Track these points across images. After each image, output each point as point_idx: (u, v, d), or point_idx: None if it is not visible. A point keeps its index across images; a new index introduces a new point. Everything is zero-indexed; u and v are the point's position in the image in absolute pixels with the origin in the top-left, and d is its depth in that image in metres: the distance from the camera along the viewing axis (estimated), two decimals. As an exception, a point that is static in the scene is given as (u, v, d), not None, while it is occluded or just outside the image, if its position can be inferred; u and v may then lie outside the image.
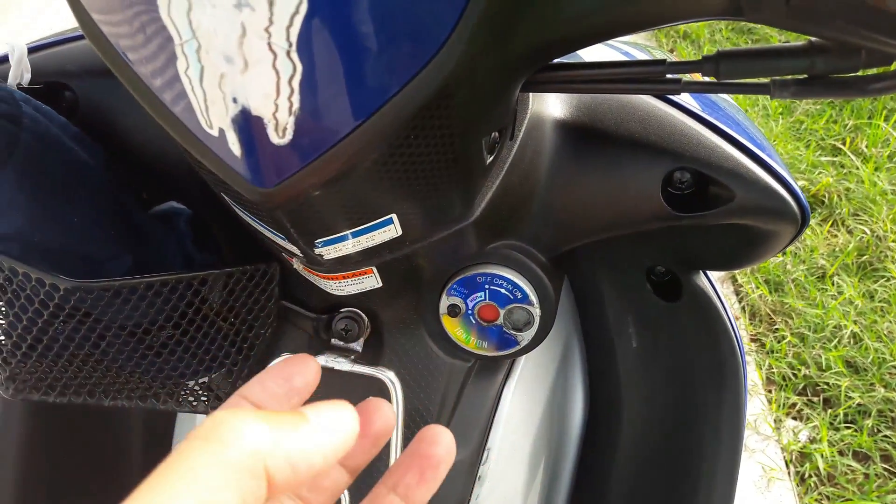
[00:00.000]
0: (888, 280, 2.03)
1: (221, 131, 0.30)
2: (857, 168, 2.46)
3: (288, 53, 0.28)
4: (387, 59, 0.29)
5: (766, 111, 2.92)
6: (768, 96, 0.36)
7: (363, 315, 0.53)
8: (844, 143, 2.61)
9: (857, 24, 0.29)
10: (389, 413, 0.29)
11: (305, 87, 0.29)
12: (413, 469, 0.27)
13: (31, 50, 0.52)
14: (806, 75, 0.34)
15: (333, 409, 0.24)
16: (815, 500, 1.53)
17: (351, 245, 0.41)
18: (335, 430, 0.24)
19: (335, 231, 0.39)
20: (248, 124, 0.30)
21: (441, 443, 0.28)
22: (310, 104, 0.29)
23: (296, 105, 0.29)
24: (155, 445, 0.72)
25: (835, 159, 2.56)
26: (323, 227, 0.39)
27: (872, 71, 0.34)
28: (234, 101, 0.29)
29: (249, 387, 0.27)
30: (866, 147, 2.58)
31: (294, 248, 0.42)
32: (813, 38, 0.33)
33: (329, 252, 0.41)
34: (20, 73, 0.50)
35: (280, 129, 0.30)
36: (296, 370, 0.28)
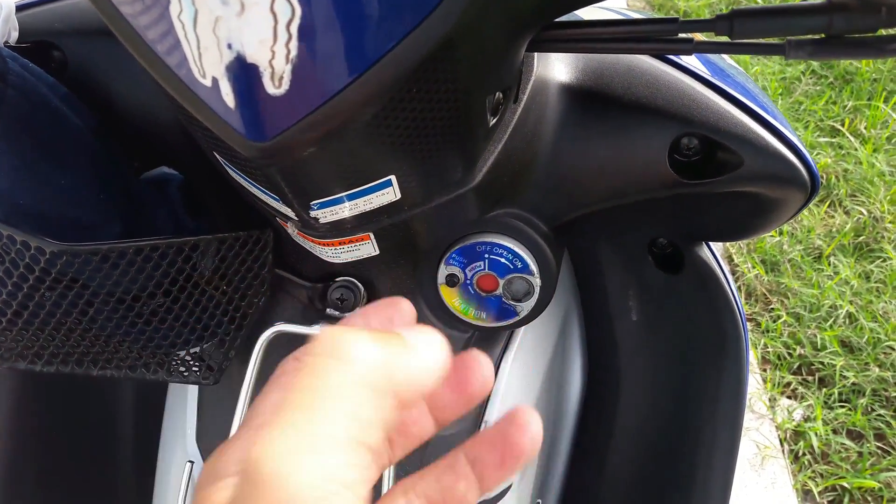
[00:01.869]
0: (884, 261, 2.02)
1: (215, 81, 0.29)
2: (856, 149, 2.45)
3: None
4: (388, 6, 0.28)
5: (766, 91, 2.90)
6: (783, 57, 0.34)
7: (359, 284, 0.52)
8: (843, 125, 2.60)
9: None
10: (488, 373, 0.27)
11: (304, 33, 0.27)
12: (497, 450, 0.26)
13: (20, 7, 0.51)
14: (823, 35, 0.33)
15: (428, 334, 0.24)
16: (809, 477, 1.54)
17: (348, 208, 0.39)
18: (435, 352, 0.23)
19: (332, 192, 0.38)
20: (242, 73, 0.28)
21: (528, 432, 0.26)
22: (308, 52, 0.28)
23: (293, 52, 0.28)
24: (146, 415, 0.71)
25: (833, 140, 2.54)
26: (319, 188, 0.37)
27: (893, 31, 0.33)
28: (229, 47, 0.28)
29: (353, 319, 0.27)
30: (865, 128, 2.57)
31: (288, 211, 0.40)
32: None
33: (325, 215, 0.40)
34: (7, 30, 0.48)
35: (276, 78, 0.28)
36: (395, 312, 0.28)
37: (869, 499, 1.50)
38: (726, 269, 0.59)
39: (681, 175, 0.47)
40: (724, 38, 0.35)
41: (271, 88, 0.29)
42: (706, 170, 0.48)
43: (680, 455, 0.65)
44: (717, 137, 0.46)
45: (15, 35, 0.49)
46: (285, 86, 0.29)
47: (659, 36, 0.37)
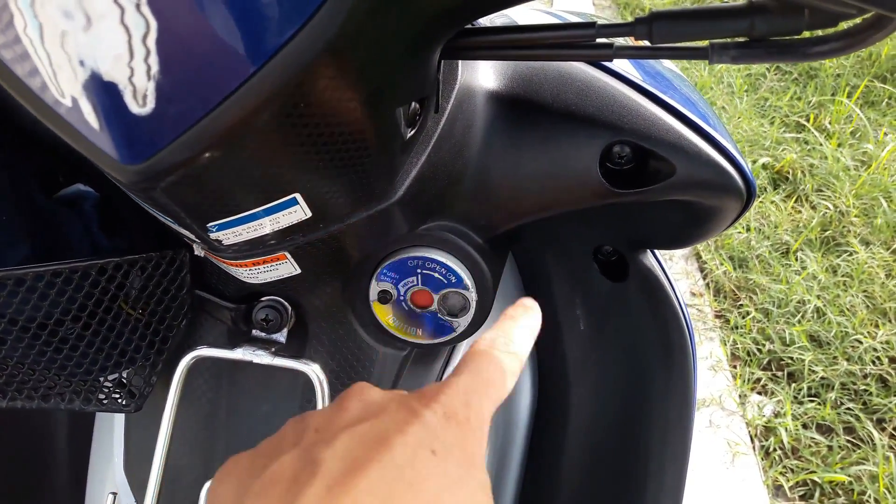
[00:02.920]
0: (850, 255, 2.04)
1: (74, 100, 0.26)
2: (821, 144, 2.47)
3: (137, 7, 0.24)
4: (260, 14, 0.25)
5: (731, 88, 2.92)
6: (707, 62, 0.33)
7: (286, 304, 0.50)
8: (808, 120, 2.62)
9: None
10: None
11: (164, 48, 0.25)
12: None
13: None
14: (746, 38, 0.31)
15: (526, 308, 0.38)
16: (780, 473, 1.54)
17: (252, 228, 0.37)
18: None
19: (230, 213, 0.35)
20: (101, 91, 0.26)
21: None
22: (171, 67, 0.26)
23: (154, 68, 0.25)
24: (80, 441, 0.68)
25: (799, 136, 2.56)
26: (214, 209, 0.34)
27: (818, 33, 0.31)
28: (82, 64, 0.25)
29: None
30: (829, 123, 2.59)
31: (188, 234, 0.38)
32: None
33: (227, 237, 0.37)
34: None
35: (139, 96, 0.26)
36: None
37: (840, 492, 1.50)
38: (671, 276, 0.58)
39: (613, 184, 0.46)
40: (645, 43, 0.33)
41: (135, 107, 0.26)
42: (639, 178, 0.46)
43: (632, 463, 0.64)
44: (649, 145, 0.45)
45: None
46: (150, 104, 0.26)
47: (578, 42, 0.35)
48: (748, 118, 2.67)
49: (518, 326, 0.36)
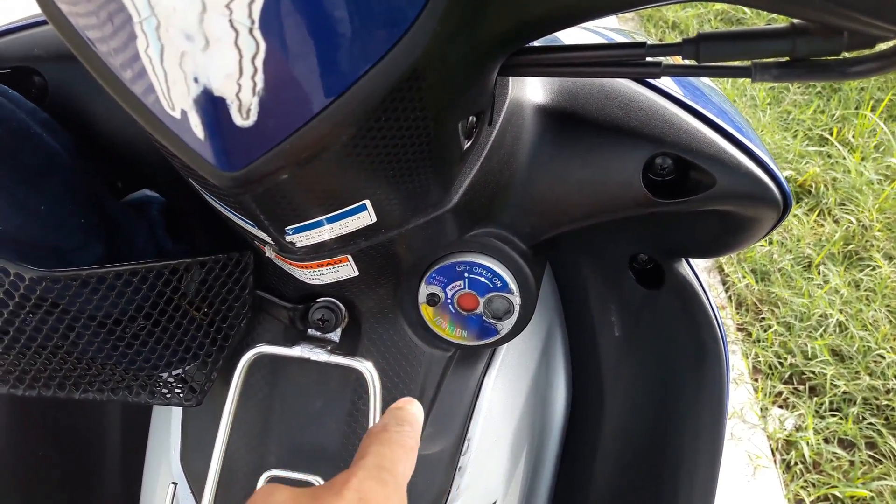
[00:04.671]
0: (873, 269, 2.04)
1: (184, 113, 0.29)
2: (844, 158, 2.46)
3: (250, 30, 0.27)
4: (353, 38, 0.28)
5: (754, 101, 2.92)
6: (754, 82, 0.35)
7: (340, 305, 0.52)
8: (832, 134, 2.61)
9: (838, 3, 0.28)
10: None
11: (269, 67, 0.28)
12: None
13: None
14: (787, 58, 0.34)
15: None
16: (801, 487, 1.54)
17: (324, 232, 0.40)
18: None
19: (306, 217, 0.38)
20: (210, 105, 0.29)
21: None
22: (274, 84, 0.28)
23: (259, 85, 0.28)
24: (133, 433, 0.71)
25: (822, 149, 2.56)
26: (293, 214, 0.37)
27: (856, 54, 0.33)
28: (196, 80, 0.28)
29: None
30: (853, 137, 2.59)
31: (265, 236, 0.41)
32: (795, 21, 0.32)
33: (301, 239, 0.40)
34: (-14, 57, 0.49)
35: (244, 110, 0.29)
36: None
37: (861, 507, 1.50)
38: (706, 284, 0.60)
39: (655, 194, 0.48)
40: (692, 62, 0.36)
41: (239, 120, 0.29)
42: (680, 189, 0.49)
43: (663, 469, 0.66)
44: (690, 157, 0.47)
45: (-6, 62, 0.49)
46: (253, 117, 0.29)
47: (628, 60, 0.37)
48: (771, 131, 2.68)
49: (405, 411, 0.37)
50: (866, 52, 0.33)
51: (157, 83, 0.29)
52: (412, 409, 0.38)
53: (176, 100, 0.29)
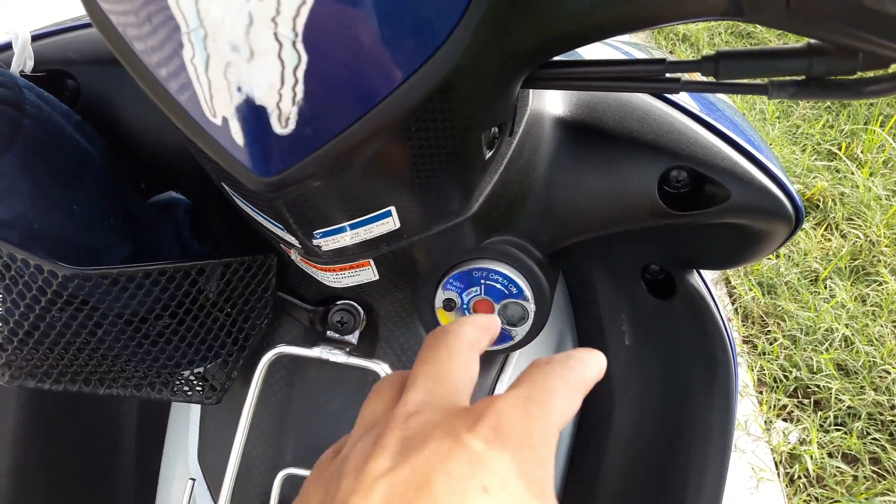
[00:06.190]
0: (880, 284, 2.04)
1: (225, 120, 0.31)
2: (853, 173, 2.47)
3: (294, 43, 0.28)
4: (389, 51, 0.30)
5: (763, 115, 2.93)
6: (766, 97, 0.36)
7: (359, 308, 0.54)
8: (840, 148, 2.62)
9: (854, 26, 0.29)
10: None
11: (309, 78, 0.29)
12: None
13: (35, 37, 0.53)
14: (804, 76, 0.35)
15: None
16: (804, 501, 1.54)
17: (349, 237, 0.41)
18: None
19: (334, 222, 0.39)
20: (251, 113, 0.30)
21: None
22: (313, 94, 0.30)
23: (299, 95, 0.30)
24: (149, 432, 0.72)
25: (830, 164, 2.57)
26: (322, 218, 0.39)
27: (870, 74, 0.34)
28: (239, 90, 0.29)
29: None
30: (862, 152, 2.59)
31: (292, 239, 0.42)
32: (811, 40, 0.33)
33: (327, 243, 0.41)
34: (23, 60, 0.50)
35: (283, 118, 0.30)
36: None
37: (864, 522, 1.50)
38: (716, 296, 0.61)
39: (670, 206, 0.49)
40: (710, 78, 0.37)
41: (278, 128, 0.30)
42: (695, 201, 0.50)
43: (670, 478, 0.66)
44: (705, 171, 0.48)
45: (30, 64, 0.51)
46: (291, 126, 0.30)
47: (648, 76, 0.39)
48: (780, 145, 2.69)
49: (579, 353, 0.32)
50: (881, 72, 0.34)
51: (201, 91, 0.30)
52: (587, 354, 0.32)
53: (218, 107, 0.30)
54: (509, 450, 0.25)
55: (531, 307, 0.53)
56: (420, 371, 0.30)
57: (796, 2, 0.30)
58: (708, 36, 3.72)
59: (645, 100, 0.52)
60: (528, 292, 0.52)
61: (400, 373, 0.32)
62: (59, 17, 0.60)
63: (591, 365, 0.31)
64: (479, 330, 0.33)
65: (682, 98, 0.53)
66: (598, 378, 0.32)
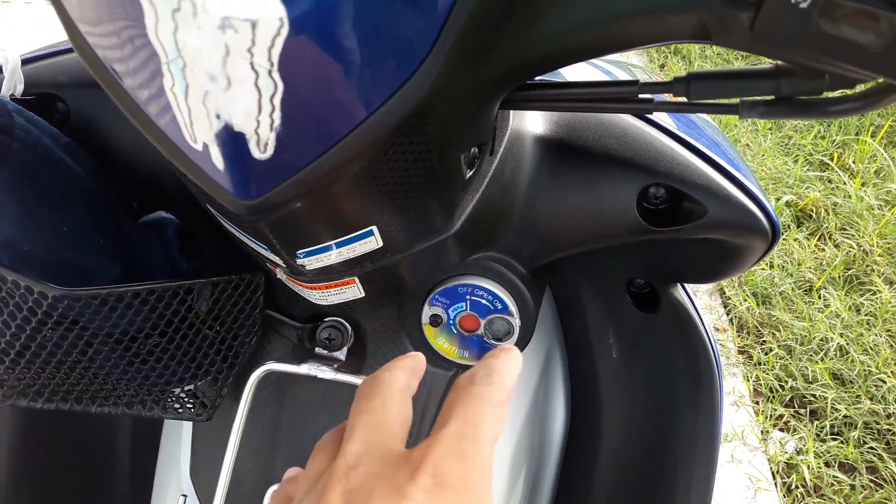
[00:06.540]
0: (874, 294, 2.05)
1: (205, 146, 0.31)
2: (845, 183, 2.49)
3: (269, 73, 0.29)
4: (363, 80, 0.31)
5: (756, 127, 2.95)
6: (738, 116, 0.37)
7: (346, 325, 0.54)
8: (832, 159, 2.64)
9: (815, 49, 0.30)
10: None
11: (286, 105, 0.30)
12: None
13: (25, 61, 0.54)
14: (773, 97, 0.36)
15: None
16: (802, 511, 1.54)
17: (333, 256, 0.42)
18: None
19: (317, 242, 0.40)
20: (230, 140, 0.31)
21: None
22: (289, 121, 0.31)
23: (276, 122, 0.31)
24: (142, 450, 0.73)
25: (822, 174, 2.58)
26: (305, 239, 0.40)
27: (838, 93, 0.35)
28: (218, 117, 0.30)
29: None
30: (853, 163, 2.61)
31: (277, 259, 0.43)
32: (779, 62, 0.34)
33: (311, 263, 0.42)
34: (13, 84, 0.51)
35: (262, 144, 0.31)
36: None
37: (862, 532, 1.50)
38: (700, 309, 0.61)
39: (649, 222, 0.50)
40: (682, 99, 0.38)
41: (257, 153, 0.31)
42: (673, 217, 0.51)
43: (659, 489, 0.67)
44: (682, 188, 0.49)
45: (20, 88, 0.52)
46: (270, 151, 0.31)
47: (622, 97, 0.40)
48: (772, 156, 2.71)
49: (497, 360, 0.33)
50: (848, 91, 0.35)
51: (181, 118, 0.31)
52: (504, 357, 0.33)
53: (198, 134, 0.31)
54: (450, 496, 0.25)
55: (516, 322, 0.53)
56: (356, 421, 0.31)
57: (760, 26, 0.31)
58: (699, 48, 3.75)
59: (624, 119, 0.53)
60: (512, 307, 0.53)
61: (339, 428, 0.34)
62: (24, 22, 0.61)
63: (510, 371, 0.33)
64: (409, 373, 0.34)
65: (661, 117, 0.54)
66: (517, 376, 0.33)
